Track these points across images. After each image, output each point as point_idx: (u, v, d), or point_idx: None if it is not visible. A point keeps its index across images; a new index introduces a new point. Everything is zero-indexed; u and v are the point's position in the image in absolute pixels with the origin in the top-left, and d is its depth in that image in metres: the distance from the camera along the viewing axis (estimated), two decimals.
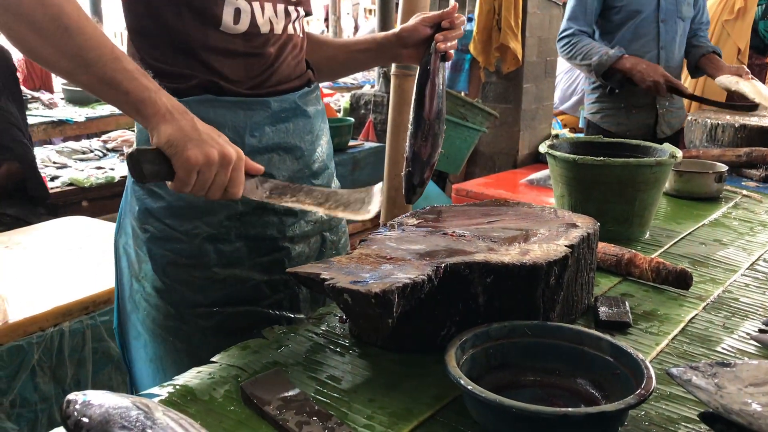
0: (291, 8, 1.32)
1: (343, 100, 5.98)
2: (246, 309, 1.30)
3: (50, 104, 5.78)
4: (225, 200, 1.09)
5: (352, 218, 1.17)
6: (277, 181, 1.19)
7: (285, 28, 1.32)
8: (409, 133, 1.33)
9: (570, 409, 0.82)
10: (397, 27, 1.46)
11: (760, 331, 1.12)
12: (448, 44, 1.36)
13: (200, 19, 1.21)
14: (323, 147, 1.42)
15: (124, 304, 1.37)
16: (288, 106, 1.32)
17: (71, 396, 0.84)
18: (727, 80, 2.82)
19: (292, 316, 1.35)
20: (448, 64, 3.38)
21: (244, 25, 1.24)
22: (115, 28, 10.96)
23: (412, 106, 1.34)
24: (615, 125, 3.01)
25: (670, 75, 2.84)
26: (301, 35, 1.39)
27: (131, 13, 1.24)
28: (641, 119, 3.01)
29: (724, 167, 2.06)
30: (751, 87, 2.72)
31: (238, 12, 1.23)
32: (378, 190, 1.20)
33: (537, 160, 4.17)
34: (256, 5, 1.26)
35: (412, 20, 1.42)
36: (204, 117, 1.10)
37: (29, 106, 5.52)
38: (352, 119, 4.91)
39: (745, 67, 2.95)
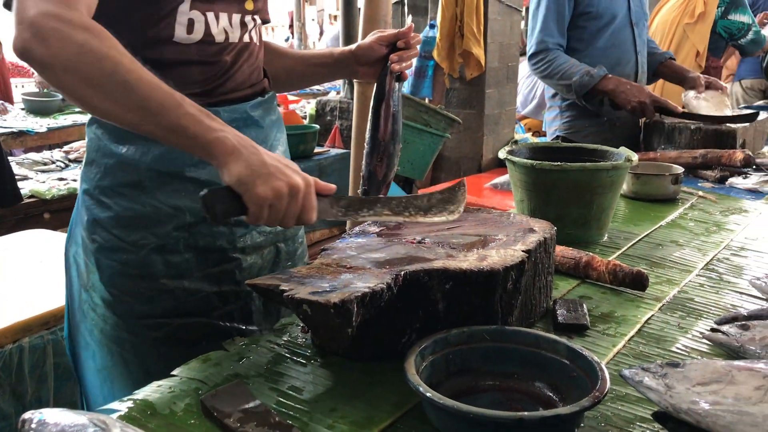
0: (248, 17, 1.32)
1: (309, 107, 5.98)
2: (196, 320, 1.29)
3: (1, 110, 5.68)
4: (300, 225, 1.11)
5: (437, 221, 1.17)
6: (351, 197, 1.18)
7: (241, 37, 1.32)
8: (365, 152, 1.34)
9: (526, 413, 0.83)
10: (354, 44, 1.46)
11: (713, 330, 1.14)
12: (403, 65, 1.38)
13: (154, 30, 1.20)
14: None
15: (73, 313, 1.36)
16: (239, 116, 1.31)
17: (26, 415, 0.84)
18: (685, 99, 2.84)
19: (244, 327, 1.34)
20: (411, 69, 3.40)
21: (198, 34, 1.24)
22: None
23: (368, 126, 1.35)
24: (601, 142, 2.70)
25: (656, 95, 2.68)
26: (258, 43, 1.38)
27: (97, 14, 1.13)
28: (626, 131, 2.81)
29: (680, 169, 2.11)
30: (704, 104, 2.77)
31: (191, 23, 1.22)
32: (461, 188, 1.22)
33: (501, 164, 4.18)
34: (211, 15, 1.25)
35: (369, 38, 1.42)
36: None
37: None
38: (317, 126, 4.91)
39: (701, 77, 2.90)
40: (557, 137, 2.93)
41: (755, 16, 4.42)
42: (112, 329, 1.29)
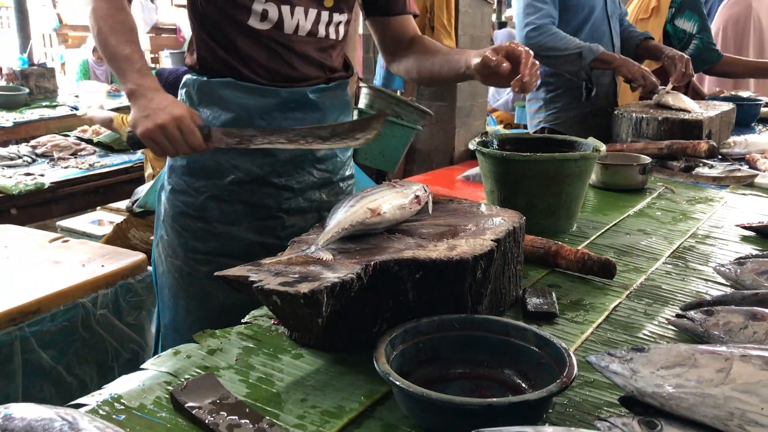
0: (325, 13, 1.51)
1: None
2: (239, 263, 1.41)
3: None
4: (198, 151, 1.33)
5: (336, 147, 1.24)
6: (248, 128, 1.34)
7: (314, 30, 1.51)
8: None
9: (494, 399, 0.84)
10: (478, 57, 1.41)
11: (678, 316, 1.16)
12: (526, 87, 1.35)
13: (232, 17, 1.45)
14: None
15: (156, 241, 1.66)
16: (298, 98, 1.52)
17: None
18: (656, 97, 2.87)
19: None
20: (381, 62, 3.38)
21: (270, 23, 1.46)
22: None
23: None
24: (584, 131, 2.65)
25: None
26: (337, 37, 1.57)
27: (192, 7, 1.51)
28: (607, 121, 2.86)
29: (648, 159, 2.14)
30: (673, 97, 2.81)
31: (265, 13, 1.45)
32: (379, 118, 1.34)
33: (473, 156, 4.22)
34: (286, 9, 1.46)
35: (489, 54, 1.37)
36: (223, 98, 1.49)
37: None
38: None
39: (682, 54, 2.91)
40: (542, 129, 3.01)
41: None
42: (173, 258, 1.59)
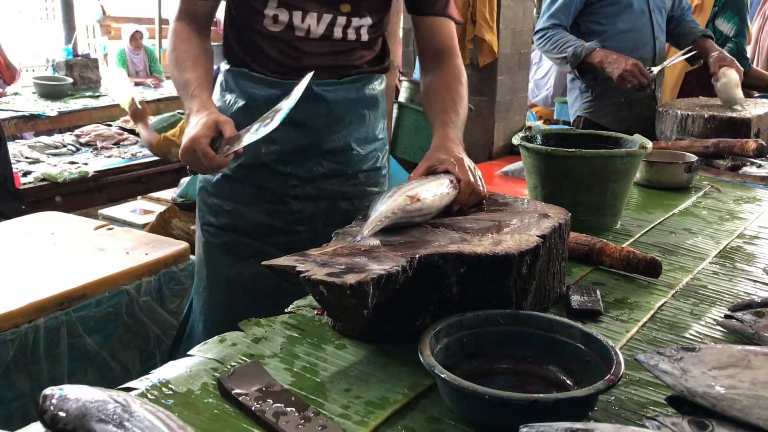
0: (341, 18, 1.56)
1: None
2: (247, 240, 1.66)
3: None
4: (215, 170, 1.45)
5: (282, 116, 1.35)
6: (230, 136, 1.39)
7: (329, 33, 1.56)
8: None
9: (540, 395, 0.84)
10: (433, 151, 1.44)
11: (726, 317, 1.14)
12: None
13: (248, 18, 1.57)
14: (346, 131, 1.65)
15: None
16: (305, 92, 1.51)
17: (47, 391, 0.85)
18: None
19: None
20: None
21: (281, 26, 1.55)
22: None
23: None
24: (617, 121, 2.86)
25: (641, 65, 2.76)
26: (354, 39, 1.60)
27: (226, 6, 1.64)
28: (642, 112, 2.90)
29: (693, 157, 2.10)
30: (726, 82, 2.75)
31: (276, 17, 1.54)
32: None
33: (512, 151, 4.20)
34: (297, 13, 1.53)
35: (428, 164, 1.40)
36: (238, 86, 1.62)
37: None
38: None
39: (729, 57, 2.89)
40: (578, 117, 3.07)
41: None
42: (197, 228, 1.76)
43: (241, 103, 1.62)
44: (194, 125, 1.38)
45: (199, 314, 1.77)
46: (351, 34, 1.59)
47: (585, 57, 2.80)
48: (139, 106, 3.87)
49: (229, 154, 1.35)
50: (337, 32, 1.57)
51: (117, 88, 4.80)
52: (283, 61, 1.58)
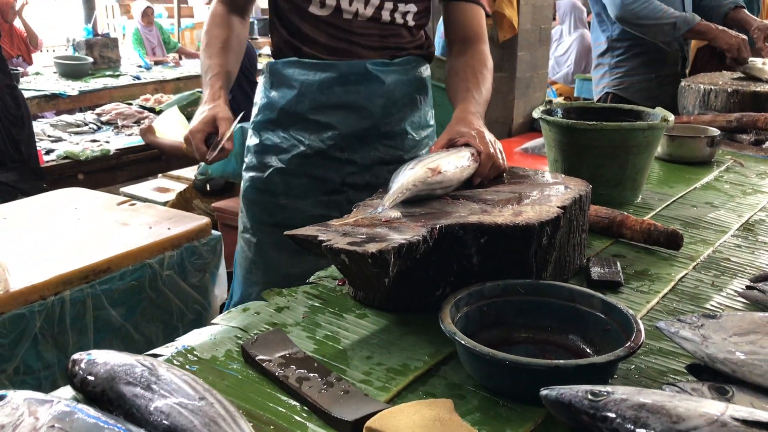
0: (388, 3, 1.59)
1: None
2: None
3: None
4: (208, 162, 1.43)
5: None
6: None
7: (377, 15, 1.59)
8: None
9: (561, 361, 0.84)
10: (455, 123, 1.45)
11: (748, 287, 1.14)
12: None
13: (296, 4, 1.59)
14: (400, 114, 1.65)
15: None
16: (357, 71, 1.59)
17: (76, 356, 0.87)
18: (745, 67, 2.78)
19: None
20: (441, 32, 3.35)
21: (329, 9, 1.58)
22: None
23: None
24: (648, 98, 2.83)
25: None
26: (401, 22, 1.63)
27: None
28: (672, 90, 2.86)
29: (716, 131, 2.08)
30: (759, 70, 2.71)
31: (323, 2, 1.57)
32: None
33: (532, 128, 4.19)
34: None
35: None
36: (287, 76, 1.61)
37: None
38: None
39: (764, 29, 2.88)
40: (606, 94, 3.04)
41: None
42: (243, 232, 1.75)
43: (291, 93, 1.62)
44: (197, 116, 1.43)
45: None
46: (398, 18, 1.62)
47: (694, 25, 2.80)
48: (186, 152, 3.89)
49: (214, 154, 1.39)
50: (385, 15, 1.60)
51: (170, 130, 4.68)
52: (333, 44, 1.60)
